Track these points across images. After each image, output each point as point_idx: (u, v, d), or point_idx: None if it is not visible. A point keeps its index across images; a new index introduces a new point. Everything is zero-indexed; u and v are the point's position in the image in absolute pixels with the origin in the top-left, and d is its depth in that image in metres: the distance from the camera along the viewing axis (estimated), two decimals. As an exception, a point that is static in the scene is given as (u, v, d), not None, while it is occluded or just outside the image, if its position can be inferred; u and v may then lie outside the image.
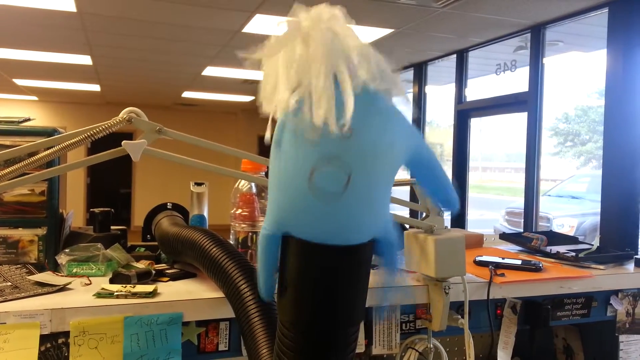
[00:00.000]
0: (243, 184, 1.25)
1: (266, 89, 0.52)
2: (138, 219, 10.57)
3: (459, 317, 1.20)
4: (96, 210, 1.39)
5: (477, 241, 1.70)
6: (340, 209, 0.49)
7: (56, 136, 0.94)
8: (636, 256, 1.47)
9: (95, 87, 8.46)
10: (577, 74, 5.39)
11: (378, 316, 1.16)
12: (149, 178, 11.05)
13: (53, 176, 1.23)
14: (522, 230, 4.72)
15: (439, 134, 6.77)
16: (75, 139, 0.88)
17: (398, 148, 0.52)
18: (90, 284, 1.12)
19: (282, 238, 0.53)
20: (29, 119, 1.28)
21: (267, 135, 0.54)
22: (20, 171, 0.90)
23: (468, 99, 5.36)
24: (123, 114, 0.90)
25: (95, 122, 0.89)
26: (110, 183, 10.99)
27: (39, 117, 9.80)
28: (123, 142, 0.89)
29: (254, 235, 1.22)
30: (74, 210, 1.56)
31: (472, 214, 5.73)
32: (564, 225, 6.00)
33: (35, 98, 10.27)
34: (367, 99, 0.49)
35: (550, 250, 1.55)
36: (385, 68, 0.51)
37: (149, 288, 1.05)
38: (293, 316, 0.54)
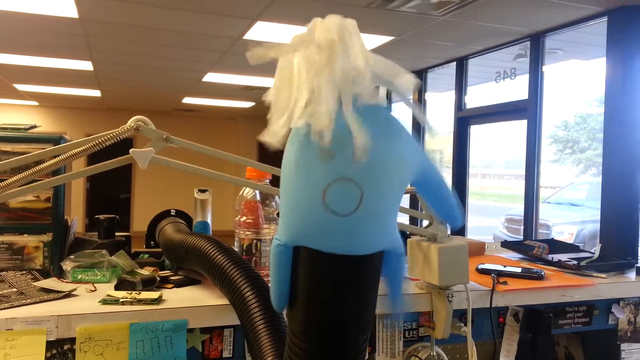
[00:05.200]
0: (247, 192, 1.26)
1: (279, 102, 0.53)
2: (137, 224, 10.56)
3: (462, 325, 1.20)
4: (101, 216, 1.40)
5: (478, 249, 1.70)
6: (352, 224, 0.50)
7: (64, 144, 0.95)
8: (637, 265, 1.48)
9: (96, 93, 8.47)
10: (577, 82, 5.41)
11: (384, 324, 1.16)
12: (148, 183, 11.05)
13: (60, 184, 1.23)
14: (521, 237, 4.73)
15: (439, 141, 6.78)
16: (83, 147, 0.89)
17: (406, 166, 0.53)
18: (95, 290, 1.12)
19: (294, 248, 0.53)
20: (35, 126, 1.28)
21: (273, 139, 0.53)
22: (27, 179, 0.90)
23: (468, 107, 5.38)
24: (131, 122, 0.90)
25: (96, 128, 0.90)
26: (110, 188, 10.97)
27: (39, 122, 9.81)
28: (131, 150, 0.90)
29: (258, 243, 1.22)
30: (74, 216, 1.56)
31: (471, 221, 5.74)
32: (563, 232, 6.00)
33: (35, 103, 10.28)
34: (377, 119, 0.50)
35: (552, 258, 1.56)
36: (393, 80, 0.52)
37: (154, 295, 1.06)
38: (303, 325, 0.54)
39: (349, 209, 0.49)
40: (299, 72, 0.50)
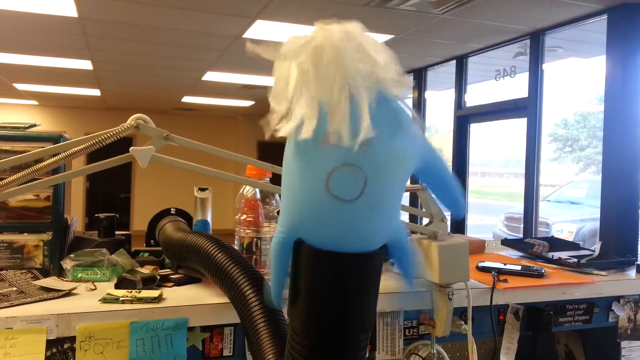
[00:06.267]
0: (248, 190, 1.26)
1: (277, 89, 0.52)
2: (137, 223, 10.56)
3: (462, 322, 1.20)
4: (101, 215, 1.40)
5: (479, 247, 1.70)
6: (354, 214, 0.50)
7: (64, 142, 0.95)
8: (638, 262, 1.48)
9: (96, 92, 8.47)
10: (576, 80, 5.41)
11: (383, 322, 1.16)
12: (148, 182, 11.05)
13: (59, 182, 1.23)
14: (521, 235, 4.73)
15: (439, 139, 6.79)
16: (83, 145, 0.88)
17: (410, 156, 0.53)
18: (95, 289, 1.12)
19: (294, 244, 0.53)
20: (34, 125, 1.28)
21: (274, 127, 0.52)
22: (27, 177, 0.90)
23: (467, 105, 5.38)
24: (131, 120, 0.90)
25: (95, 127, 0.90)
26: (110, 187, 10.97)
27: (39, 122, 9.78)
28: (131, 149, 0.90)
29: (259, 241, 1.22)
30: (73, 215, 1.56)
31: (471, 219, 5.74)
32: (563, 230, 6.01)
33: (35, 102, 10.27)
34: (382, 109, 0.50)
35: (552, 256, 1.56)
36: (399, 75, 0.52)
37: (154, 293, 1.06)
38: (304, 322, 0.54)
39: (353, 195, 0.49)
40: (304, 75, 0.50)
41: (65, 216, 1.32)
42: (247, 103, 9.19)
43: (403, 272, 0.57)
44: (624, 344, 1.41)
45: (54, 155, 0.89)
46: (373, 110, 0.49)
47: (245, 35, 4.62)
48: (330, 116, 0.48)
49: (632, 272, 1.46)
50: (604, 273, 1.42)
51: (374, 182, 0.49)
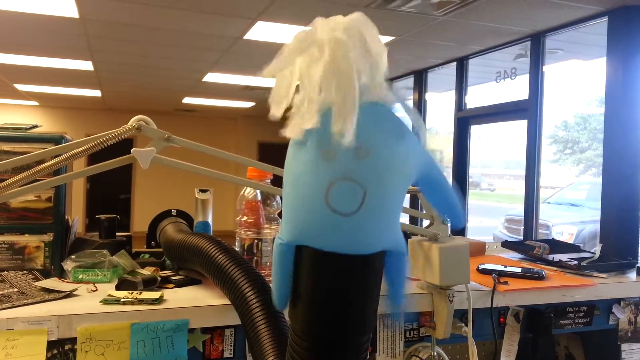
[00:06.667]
0: (249, 191, 1.26)
1: (278, 94, 0.53)
2: (137, 224, 10.55)
3: (463, 325, 1.20)
4: (102, 216, 1.40)
5: (479, 249, 1.70)
6: (354, 224, 0.50)
7: (65, 144, 0.95)
8: (638, 265, 1.48)
9: (96, 93, 8.47)
10: (577, 82, 5.41)
11: (385, 324, 1.16)
12: (148, 184, 11.05)
13: (61, 183, 1.23)
14: (521, 237, 4.73)
15: (439, 141, 6.78)
16: (85, 147, 0.88)
17: (410, 166, 0.53)
18: (96, 290, 1.12)
19: (296, 248, 0.53)
20: (36, 126, 1.28)
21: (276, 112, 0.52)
22: (28, 178, 0.90)
23: (468, 107, 5.38)
24: (132, 121, 0.90)
25: (96, 128, 0.90)
26: (110, 189, 10.97)
27: (40, 122, 9.75)
28: (133, 150, 0.90)
29: (260, 242, 1.22)
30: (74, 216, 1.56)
31: (471, 221, 5.74)
32: (563, 232, 6.00)
33: (35, 103, 10.28)
34: (382, 118, 0.50)
35: (553, 258, 1.56)
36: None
37: (155, 295, 1.06)
38: (306, 325, 0.54)
39: (352, 208, 0.49)
40: (307, 76, 0.50)
41: (66, 217, 1.32)
42: (248, 104, 9.19)
43: (391, 284, 0.56)
44: (624, 346, 1.41)
45: (56, 157, 0.89)
46: (373, 119, 0.49)
47: (247, 37, 4.63)
48: (334, 115, 0.48)
49: (632, 275, 1.46)
50: (604, 275, 1.42)
51: (373, 193, 0.49)
